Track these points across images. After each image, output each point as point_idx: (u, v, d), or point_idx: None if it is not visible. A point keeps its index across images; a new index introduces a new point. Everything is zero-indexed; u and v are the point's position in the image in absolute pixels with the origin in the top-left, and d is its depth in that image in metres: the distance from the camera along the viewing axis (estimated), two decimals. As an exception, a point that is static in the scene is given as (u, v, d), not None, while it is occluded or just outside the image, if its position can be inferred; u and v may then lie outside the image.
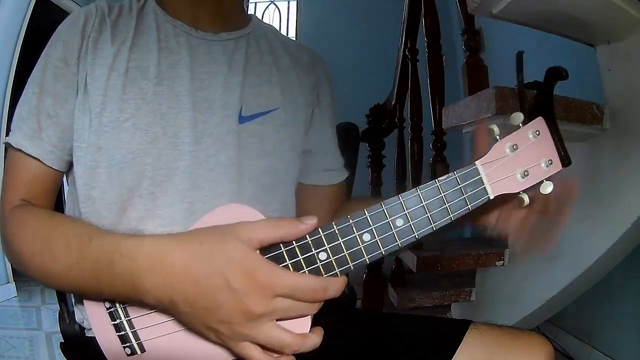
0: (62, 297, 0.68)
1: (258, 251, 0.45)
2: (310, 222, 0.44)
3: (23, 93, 0.61)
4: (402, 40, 1.83)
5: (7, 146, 0.60)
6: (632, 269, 1.46)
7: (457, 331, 0.63)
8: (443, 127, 1.39)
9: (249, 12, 0.75)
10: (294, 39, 3.70)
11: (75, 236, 0.50)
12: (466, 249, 1.43)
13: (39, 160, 0.59)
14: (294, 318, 0.45)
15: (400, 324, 0.70)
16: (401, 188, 1.79)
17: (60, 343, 0.66)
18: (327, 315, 0.71)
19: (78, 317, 0.64)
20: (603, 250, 1.07)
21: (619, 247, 1.06)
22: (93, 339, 0.53)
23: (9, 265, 2.66)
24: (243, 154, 0.62)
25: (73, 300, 0.65)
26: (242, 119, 0.62)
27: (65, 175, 0.65)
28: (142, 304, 0.48)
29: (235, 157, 0.61)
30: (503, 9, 0.90)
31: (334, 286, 0.44)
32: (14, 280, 2.70)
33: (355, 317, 0.74)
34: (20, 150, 0.59)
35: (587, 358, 1.74)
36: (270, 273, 0.43)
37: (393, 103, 1.89)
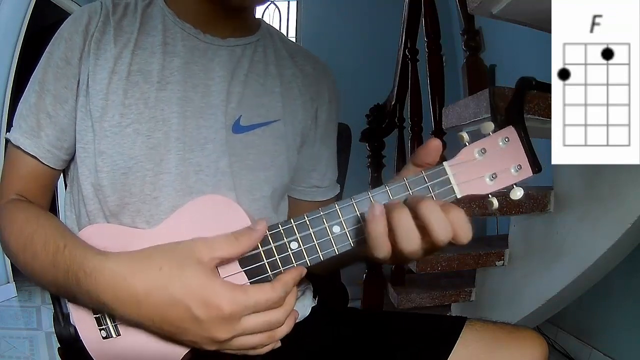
0: (56, 298, 0.67)
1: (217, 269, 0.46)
2: (260, 227, 0.45)
3: (25, 90, 0.61)
4: (402, 40, 1.83)
5: (7, 141, 0.61)
6: (632, 269, 1.46)
7: (454, 328, 0.64)
8: (443, 127, 1.39)
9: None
10: (294, 39, 3.70)
11: (53, 239, 0.50)
12: (466, 249, 1.43)
13: (36, 158, 0.59)
14: (267, 330, 0.46)
15: (398, 321, 0.70)
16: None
17: (58, 348, 0.65)
18: (323, 315, 0.72)
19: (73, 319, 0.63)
20: (603, 250, 1.07)
21: (619, 247, 1.06)
22: None
23: (9, 265, 2.66)
24: (239, 164, 0.61)
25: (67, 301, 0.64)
26: (239, 129, 0.61)
27: (63, 173, 0.65)
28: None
29: (232, 167, 0.60)
30: (503, 9, 0.90)
31: (291, 284, 0.46)
32: (14, 280, 2.70)
33: (352, 316, 0.74)
34: (18, 147, 0.59)
35: (587, 358, 1.74)
36: (231, 299, 0.43)
37: (393, 103, 1.89)
